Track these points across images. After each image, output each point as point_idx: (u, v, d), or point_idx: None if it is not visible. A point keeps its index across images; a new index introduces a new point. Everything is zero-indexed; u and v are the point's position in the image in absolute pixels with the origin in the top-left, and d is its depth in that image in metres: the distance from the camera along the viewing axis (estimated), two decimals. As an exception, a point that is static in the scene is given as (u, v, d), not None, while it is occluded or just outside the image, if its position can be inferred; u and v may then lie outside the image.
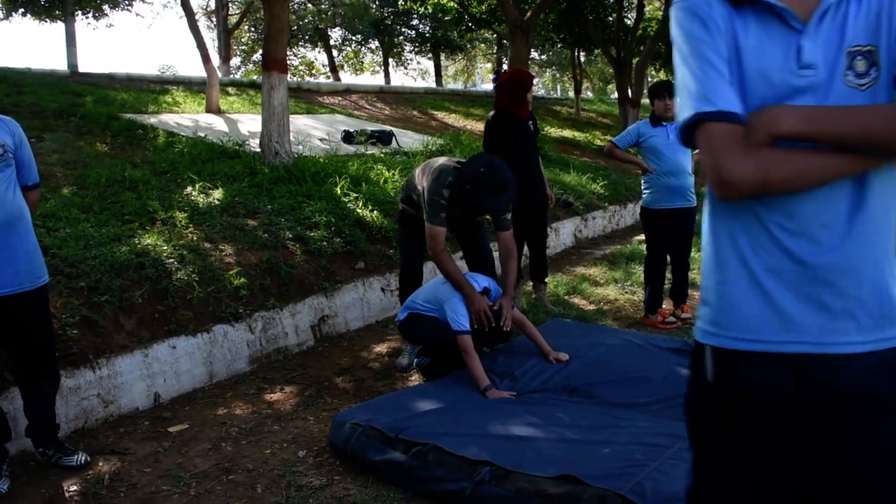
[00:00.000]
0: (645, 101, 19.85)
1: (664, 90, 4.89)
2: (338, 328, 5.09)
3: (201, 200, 5.62)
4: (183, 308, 4.16)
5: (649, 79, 32.05)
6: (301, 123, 10.69)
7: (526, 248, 5.46)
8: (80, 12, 16.19)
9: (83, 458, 3.20)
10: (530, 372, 3.81)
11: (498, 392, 3.57)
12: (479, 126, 14.58)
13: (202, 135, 8.14)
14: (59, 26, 16.07)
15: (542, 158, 5.61)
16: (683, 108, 1.19)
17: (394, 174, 7.25)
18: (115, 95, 10.06)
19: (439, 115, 15.92)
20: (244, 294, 4.49)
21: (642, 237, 8.78)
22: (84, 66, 17.44)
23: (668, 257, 5.19)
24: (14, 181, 2.98)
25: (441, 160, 4.08)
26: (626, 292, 6.07)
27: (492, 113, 5.27)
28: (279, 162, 6.82)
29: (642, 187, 5.13)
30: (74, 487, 3.01)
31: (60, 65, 20.85)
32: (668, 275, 5.30)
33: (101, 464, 3.21)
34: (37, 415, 3.15)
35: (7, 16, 15.84)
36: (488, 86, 33.40)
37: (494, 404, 3.40)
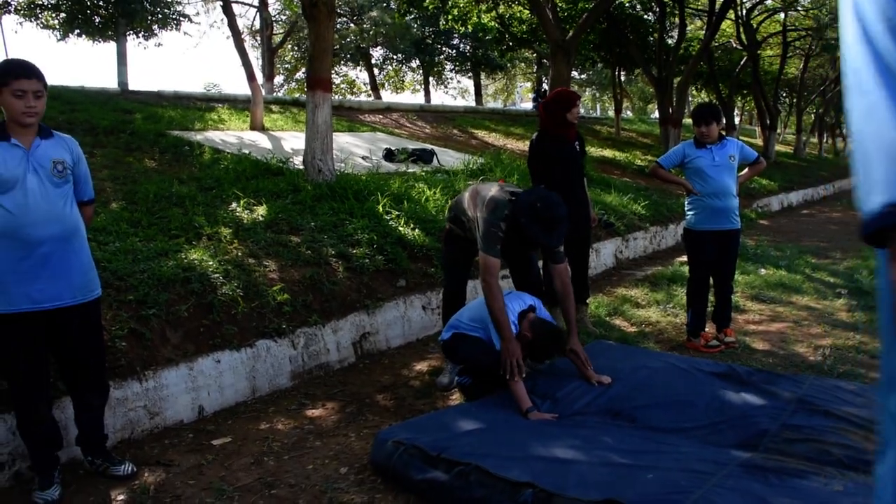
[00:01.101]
0: (687, 120, 19.73)
1: (703, 117, 4.88)
2: (379, 345, 5.10)
3: (246, 216, 5.70)
4: (227, 323, 4.21)
5: (690, 98, 31.80)
6: (343, 141, 10.82)
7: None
8: (131, 32, 16.69)
9: (130, 469, 3.26)
10: (572, 394, 3.77)
11: (539, 414, 3.54)
12: (520, 145, 14.58)
13: (246, 152, 8.27)
14: (111, 46, 16.58)
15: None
16: (874, 180, 0.71)
17: (435, 192, 7.28)
18: (162, 113, 10.33)
19: (479, 133, 15.97)
20: (287, 310, 4.53)
21: (684, 258, 8.68)
22: (134, 85, 17.97)
23: (711, 280, 5.12)
24: (71, 197, 3.07)
25: (493, 190, 4.06)
26: (668, 314, 5.99)
27: (535, 133, 5.29)
28: (322, 179, 6.89)
29: (686, 208, 5.08)
30: (121, 497, 3.07)
31: (111, 83, 21.50)
32: (711, 297, 5.22)
33: (146, 474, 3.27)
34: (86, 424, 3.23)
35: (64, 36, 16.40)
36: (528, 105, 33.44)
37: (536, 426, 3.38)
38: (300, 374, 4.51)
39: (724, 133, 5.11)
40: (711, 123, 4.86)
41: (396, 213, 6.27)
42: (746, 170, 5.18)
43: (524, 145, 11.34)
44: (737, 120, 29.09)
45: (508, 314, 3.80)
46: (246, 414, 4.00)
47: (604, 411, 3.58)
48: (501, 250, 3.90)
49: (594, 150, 15.44)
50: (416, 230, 6.03)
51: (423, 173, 8.76)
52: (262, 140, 9.98)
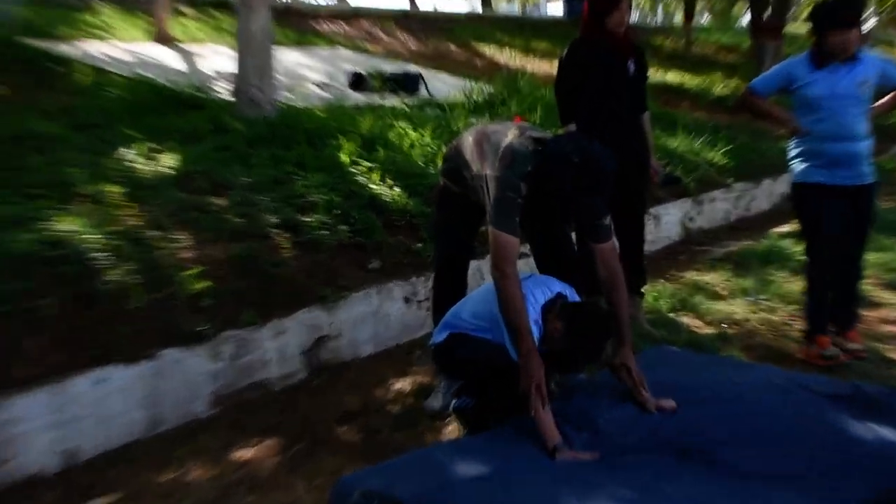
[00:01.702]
0: (794, 29, 19.59)
1: (839, 17, 4.69)
2: (341, 354, 5.09)
3: (145, 168, 5.63)
4: (117, 323, 4.17)
5: (796, -2, 31.56)
6: (291, 60, 10.75)
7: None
8: None
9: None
10: (621, 423, 3.74)
11: (573, 453, 3.50)
12: (545, 66, 14.49)
13: (146, 73, 8.19)
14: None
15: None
16: None
17: (423, 135, 7.25)
18: (13, 11, 10.12)
19: (487, 50, 15.89)
20: (207, 304, 4.50)
21: (784, 228, 8.69)
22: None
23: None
24: None
25: (509, 134, 4.01)
26: (763, 309, 5.98)
27: (569, 43, 5.27)
28: (259, 115, 6.85)
29: (791, 155, 5.04)
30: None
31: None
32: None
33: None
34: None
35: None
36: (558, 7, 33.21)
37: (569, 470, 3.33)
38: (226, 398, 4.48)
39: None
40: (853, 27, 4.70)
41: (368, 164, 6.24)
42: (888, 97, 5.06)
43: (552, 66, 11.17)
44: (869, 22, 28.77)
45: (528, 310, 3.75)
46: (142, 459, 3.95)
47: (666, 448, 3.53)
48: (521, 222, 3.85)
49: (653, 74, 15.32)
50: (396, 189, 5.99)
51: (407, 107, 8.71)
52: (168, 56, 9.91)
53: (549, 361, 3.70)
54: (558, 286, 4.01)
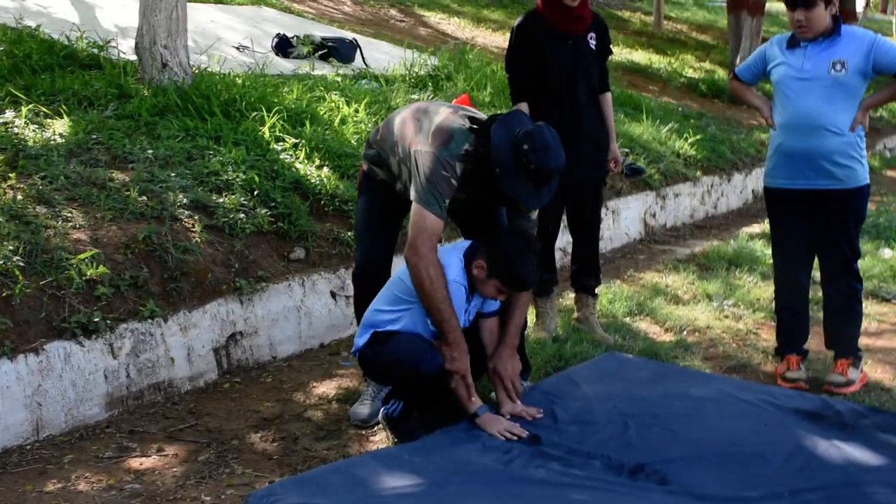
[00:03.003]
0: (773, 4, 19.79)
1: None
2: (258, 354, 5.09)
3: (31, 136, 5.56)
4: (-4, 312, 4.13)
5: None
6: (205, 19, 10.64)
7: (563, 241, 5.45)
8: None
9: None
10: (578, 419, 3.89)
11: (493, 416, 3.82)
12: (497, 38, 14.53)
13: (31, 24, 7.97)
14: None
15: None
16: None
17: (357, 110, 7.22)
18: None
19: (432, 17, 15.90)
20: (103, 293, 4.44)
21: (755, 228, 8.81)
22: None
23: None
24: None
25: (443, 112, 4.06)
26: (727, 316, 6.06)
27: (522, 16, 5.31)
28: (168, 79, 6.75)
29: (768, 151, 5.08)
30: None
31: None
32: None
33: None
34: None
35: None
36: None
37: (510, 484, 3.38)
38: (122, 400, 4.45)
39: (837, 19, 4.83)
40: (810, 7, 4.57)
41: (293, 140, 6.22)
42: (886, 89, 4.88)
43: (505, 39, 11.16)
44: (860, 3, 29.13)
45: (453, 271, 3.90)
46: (22, 467, 3.89)
47: (618, 465, 3.59)
48: (450, 208, 3.94)
49: (619, 53, 15.47)
50: (325, 169, 5.98)
51: (340, 78, 8.67)
52: (60, 6, 9.65)
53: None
54: (469, 242, 4.13)
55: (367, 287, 4.45)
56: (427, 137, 3.94)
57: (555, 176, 3.94)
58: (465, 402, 3.86)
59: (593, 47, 5.28)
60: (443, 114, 4.04)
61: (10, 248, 4.30)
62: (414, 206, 3.87)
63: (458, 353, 3.81)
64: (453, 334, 3.80)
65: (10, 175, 4.95)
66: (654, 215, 8.72)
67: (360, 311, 4.44)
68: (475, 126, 3.94)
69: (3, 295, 4.15)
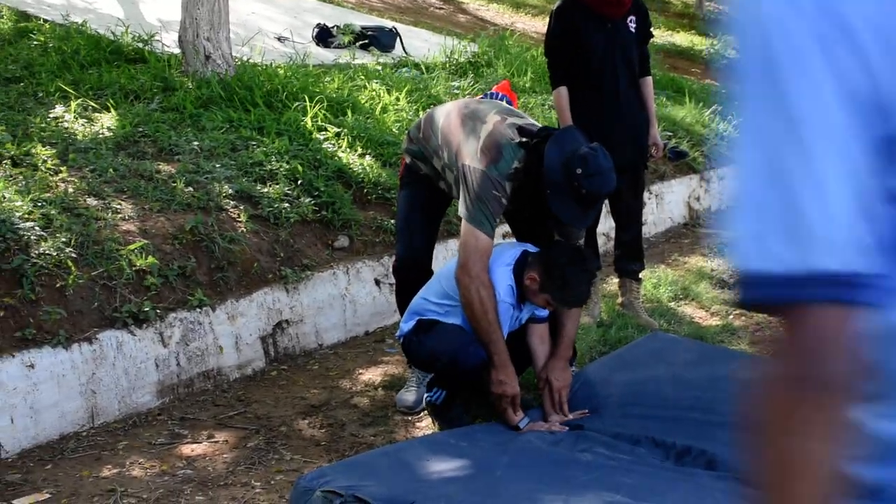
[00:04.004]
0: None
1: None
2: (304, 342, 5.10)
3: (81, 130, 5.62)
4: (48, 302, 4.13)
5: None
6: (246, 10, 10.65)
7: (606, 225, 5.43)
8: None
9: None
10: (623, 402, 3.89)
11: (540, 424, 3.80)
12: (536, 23, 14.45)
13: (79, 20, 8.04)
14: None
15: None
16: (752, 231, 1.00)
17: (397, 98, 7.21)
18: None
19: (471, 4, 15.84)
20: (152, 283, 4.48)
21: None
22: None
23: None
24: None
25: (491, 119, 4.02)
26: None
27: (559, 1, 5.29)
28: (212, 71, 6.78)
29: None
30: None
31: None
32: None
33: None
34: None
35: None
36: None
37: (554, 468, 3.40)
38: (173, 388, 4.49)
39: None
40: None
41: (335, 130, 6.22)
42: None
43: (543, 23, 11.08)
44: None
45: (502, 277, 3.89)
46: (79, 453, 3.95)
47: (662, 448, 3.61)
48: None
49: (660, 36, 15.30)
50: (368, 158, 5.97)
51: (380, 67, 8.66)
52: (104, 2, 9.66)
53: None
54: (519, 246, 4.13)
55: (408, 280, 4.46)
56: (476, 153, 3.91)
57: (604, 199, 3.94)
58: (510, 417, 3.85)
59: (633, 31, 5.24)
60: (491, 122, 4.00)
61: (63, 239, 4.34)
62: (464, 224, 3.88)
63: (506, 377, 3.80)
64: (500, 357, 3.80)
65: (62, 169, 5.01)
66: (698, 199, 8.64)
67: (402, 303, 4.46)
68: (525, 139, 3.92)
69: (57, 286, 4.20)
